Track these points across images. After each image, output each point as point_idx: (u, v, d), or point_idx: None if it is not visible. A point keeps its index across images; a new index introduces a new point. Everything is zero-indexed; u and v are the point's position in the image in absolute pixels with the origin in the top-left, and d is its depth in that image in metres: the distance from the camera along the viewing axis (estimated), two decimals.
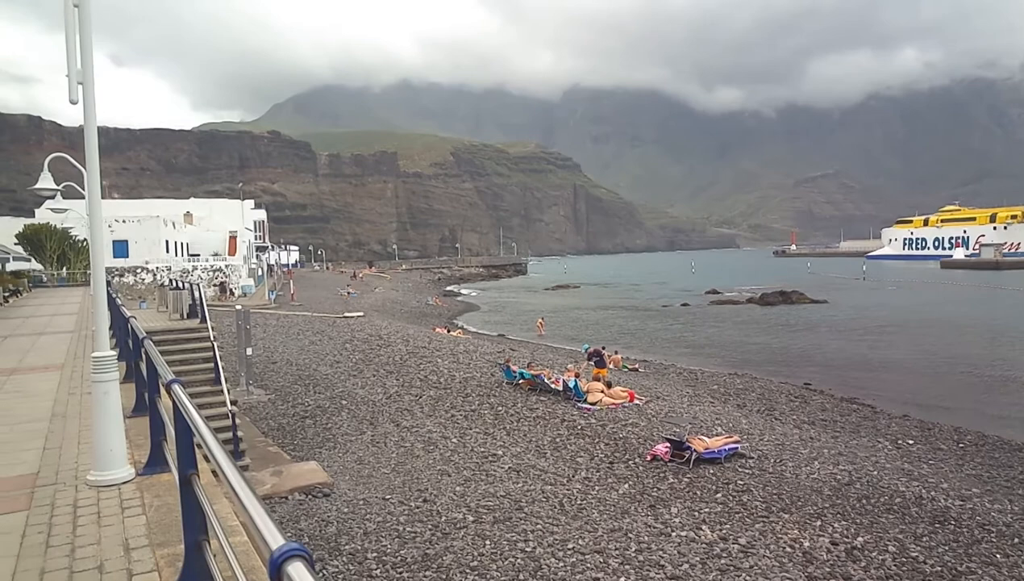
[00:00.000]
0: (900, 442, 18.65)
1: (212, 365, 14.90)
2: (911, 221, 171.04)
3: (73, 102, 5.30)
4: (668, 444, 15.06)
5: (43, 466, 5.74)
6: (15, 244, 44.50)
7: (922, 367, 32.27)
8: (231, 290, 55.95)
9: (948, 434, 19.87)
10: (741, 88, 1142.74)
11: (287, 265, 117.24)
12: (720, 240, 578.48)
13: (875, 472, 14.53)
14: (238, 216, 74.22)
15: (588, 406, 19.13)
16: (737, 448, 15.28)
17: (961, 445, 18.63)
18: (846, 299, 67.20)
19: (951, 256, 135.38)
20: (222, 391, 14.05)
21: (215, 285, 51.79)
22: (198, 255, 60.54)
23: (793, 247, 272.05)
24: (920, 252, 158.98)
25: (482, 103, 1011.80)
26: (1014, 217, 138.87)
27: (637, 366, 30.13)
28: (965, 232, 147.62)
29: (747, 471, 14.20)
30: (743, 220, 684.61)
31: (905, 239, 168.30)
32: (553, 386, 20.61)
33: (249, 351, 20.81)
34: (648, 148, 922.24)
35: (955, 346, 37.56)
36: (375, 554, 9.85)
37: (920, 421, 21.64)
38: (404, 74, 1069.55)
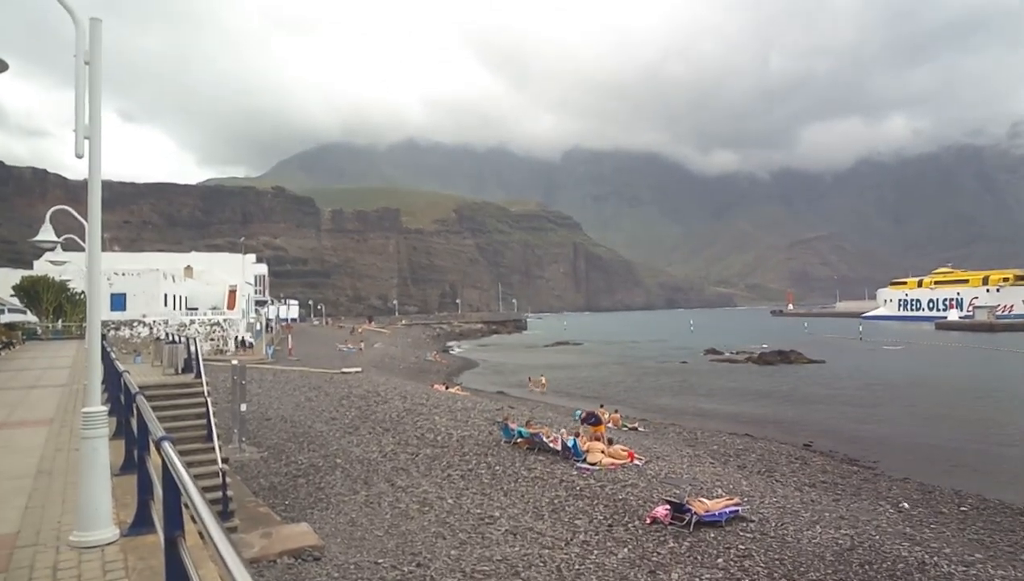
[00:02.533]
0: (901, 505, 18.34)
1: (205, 422, 14.68)
2: (906, 282, 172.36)
3: (79, 156, 5.38)
4: (668, 506, 14.75)
5: (24, 525, 5.58)
6: (11, 295, 44.51)
7: (921, 428, 31.99)
8: (250, 344, 56.16)
9: (949, 497, 19.58)
10: (736, 152, 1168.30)
11: (286, 319, 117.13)
12: (718, 299, 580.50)
13: (877, 536, 14.24)
14: (239, 270, 74.43)
15: (587, 466, 18.81)
16: (738, 511, 14.98)
17: (962, 509, 18.34)
18: (844, 359, 67.09)
19: (946, 317, 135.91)
20: (214, 449, 13.81)
21: (235, 340, 52.02)
22: (197, 309, 60.50)
23: (790, 307, 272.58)
24: (915, 313, 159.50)
25: (484, 162, 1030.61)
26: (1006, 280, 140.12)
27: (637, 425, 29.80)
28: (959, 294, 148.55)
29: (748, 535, 13.89)
30: (740, 280, 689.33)
31: (900, 300, 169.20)
32: (552, 445, 20.29)
33: (243, 407, 20.56)
34: (647, 208, 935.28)
35: (954, 407, 37.32)
36: None
37: (920, 484, 21.37)
38: (410, 133, 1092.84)
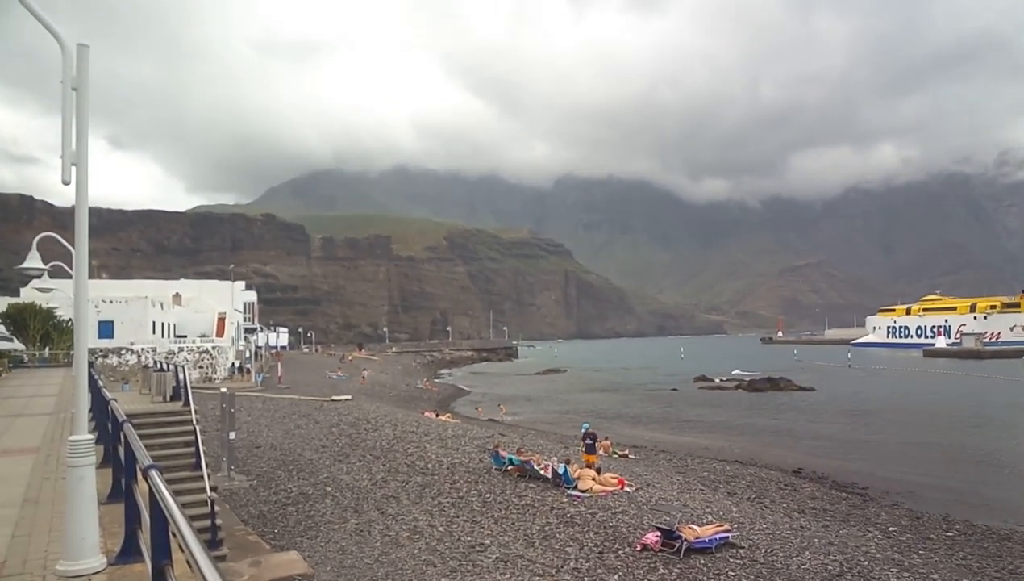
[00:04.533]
0: (890, 530, 18.37)
1: (193, 450, 14.59)
2: (894, 310, 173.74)
3: (66, 183, 5.37)
4: (658, 533, 14.72)
5: (11, 554, 5.56)
6: None
7: (910, 455, 32.18)
8: (247, 369, 56.04)
9: (937, 523, 19.65)
10: (727, 179, 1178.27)
11: (275, 347, 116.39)
12: (708, 326, 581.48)
13: (866, 562, 14.27)
14: (228, 297, 74.12)
15: (578, 493, 18.76)
16: (728, 537, 14.97)
17: (950, 534, 18.41)
18: (833, 386, 67.36)
19: (933, 345, 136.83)
20: (202, 477, 13.71)
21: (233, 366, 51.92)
22: (185, 336, 60.12)
23: (780, 334, 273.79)
24: (903, 340, 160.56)
25: (476, 190, 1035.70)
26: (993, 307, 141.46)
27: (627, 452, 29.74)
28: (947, 321, 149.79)
29: (738, 561, 13.87)
30: (731, 307, 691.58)
31: (888, 327, 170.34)
32: (542, 473, 20.23)
33: (232, 435, 20.41)
34: (638, 236, 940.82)
35: (942, 434, 37.56)
36: None
37: (909, 509, 21.47)
38: (401, 160, 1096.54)
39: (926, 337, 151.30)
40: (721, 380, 74.72)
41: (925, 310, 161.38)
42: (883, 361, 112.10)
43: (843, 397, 57.56)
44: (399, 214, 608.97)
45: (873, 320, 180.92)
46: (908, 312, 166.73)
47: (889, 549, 16.11)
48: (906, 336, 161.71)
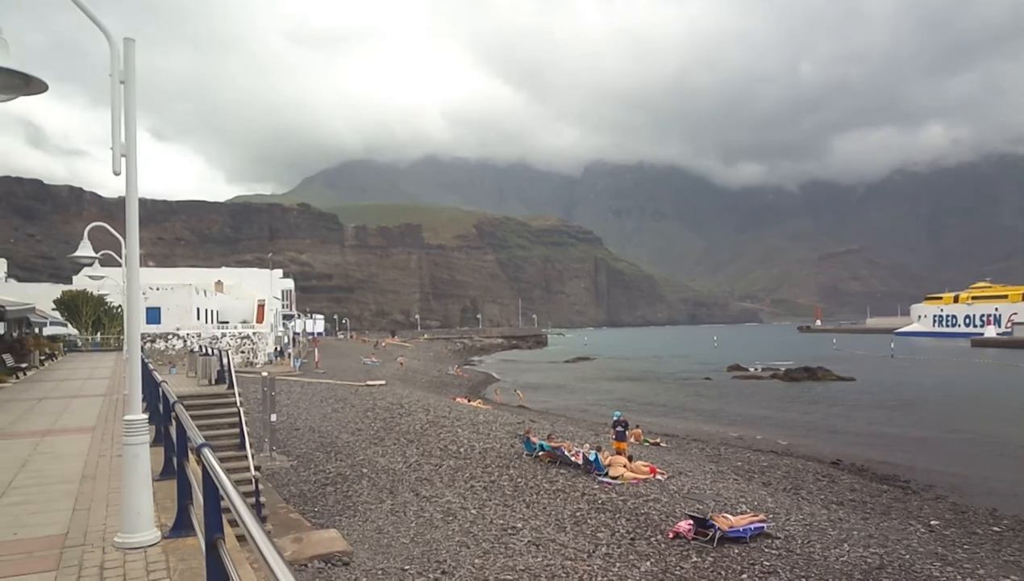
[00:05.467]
0: (932, 524, 18.01)
1: (238, 430, 15.04)
2: (941, 298, 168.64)
3: (116, 174, 5.48)
4: (691, 521, 14.72)
5: (72, 527, 5.82)
6: (52, 309, 45.62)
7: (955, 447, 31.30)
8: (289, 353, 57.24)
9: (983, 517, 19.16)
10: (763, 163, 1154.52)
11: (312, 333, 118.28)
12: (743, 314, 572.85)
13: (907, 556, 14.04)
14: (267, 285, 75.50)
15: (609, 480, 18.83)
16: (763, 528, 14.89)
17: (997, 529, 17.94)
18: (874, 376, 65.79)
19: (982, 334, 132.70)
20: (246, 456, 14.14)
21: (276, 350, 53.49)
22: (227, 322, 61.49)
23: (818, 323, 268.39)
24: (950, 329, 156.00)
25: (505, 177, 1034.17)
26: None
27: (659, 440, 29.66)
28: (997, 310, 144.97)
29: (773, 552, 13.81)
30: (766, 295, 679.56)
31: (935, 316, 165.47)
32: (573, 459, 20.35)
33: (274, 417, 20.95)
34: (669, 222, 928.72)
35: (989, 427, 36.43)
36: None
37: (953, 504, 20.90)
38: (431, 149, 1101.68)
39: (974, 326, 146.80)
40: (756, 369, 73.64)
41: (974, 298, 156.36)
42: (928, 351, 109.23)
43: (885, 387, 56.19)
44: (430, 203, 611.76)
45: (918, 308, 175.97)
46: (956, 300, 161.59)
47: (932, 543, 15.81)
48: (953, 325, 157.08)
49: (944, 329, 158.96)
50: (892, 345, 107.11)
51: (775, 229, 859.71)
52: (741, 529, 14.40)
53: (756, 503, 17.86)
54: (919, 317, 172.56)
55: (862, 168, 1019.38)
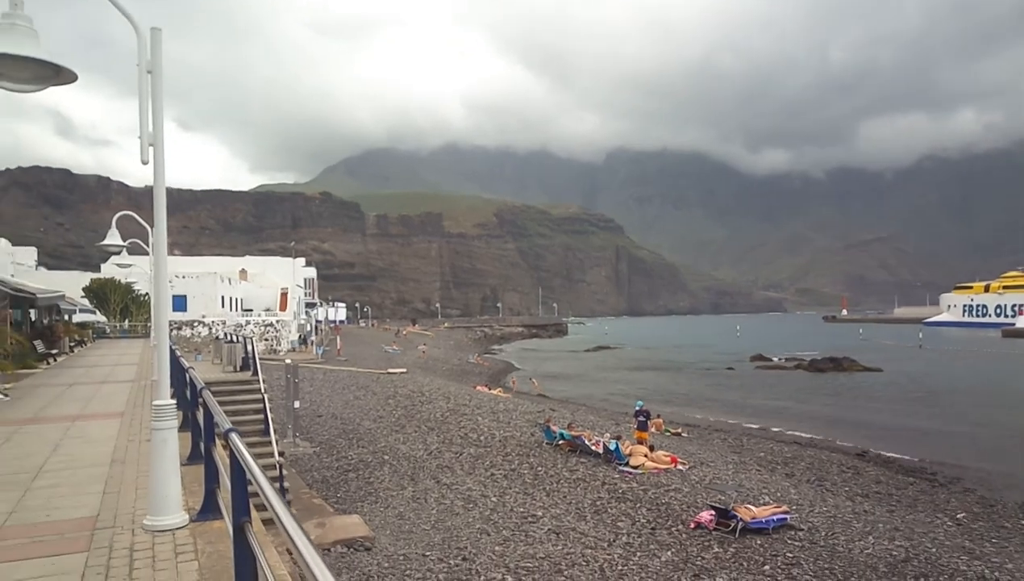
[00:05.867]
0: (960, 517, 17.74)
1: (262, 416, 15.24)
2: (971, 287, 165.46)
3: (144, 163, 5.52)
4: (713, 512, 14.66)
5: (102, 509, 5.95)
6: (81, 297, 46.49)
7: (984, 440, 30.74)
8: (312, 341, 57.99)
9: (1012, 511, 18.84)
10: (789, 149, 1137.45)
11: (334, 321, 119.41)
12: (767, 304, 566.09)
13: (934, 549, 13.87)
14: (289, 273, 76.27)
15: (630, 470, 18.80)
16: (786, 519, 14.78)
17: None
18: (902, 367, 64.75)
19: (1014, 324, 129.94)
20: (271, 442, 14.34)
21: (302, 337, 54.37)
22: (251, 310, 62.26)
23: (844, 312, 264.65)
24: (980, 319, 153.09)
25: (526, 165, 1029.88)
26: None
27: (680, 430, 29.52)
28: None
29: (797, 543, 13.71)
30: (791, 284, 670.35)
31: (965, 306, 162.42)
32: (594, 448, 20.34)
33: (297, 404, 21.20)
34: (692, 210, 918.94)
35: (1019, 418, 35.73)
36: None
37: (982, 497, 20.57)
38: (452, 137, 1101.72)
39: (1006, 316, 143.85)
40: (780, 359, 72.84)
41: (1005, 287, 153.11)
42: (958, 341, 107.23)
43: (912, 379, 55.30)
44: (450, 191, 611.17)
45: (948, 298, 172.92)
46: (987, 289, 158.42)
47: (959, 536, 15.59)
48: (984, 315, 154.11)
49: (974, 319, 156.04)
50: (921, 335, 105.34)
51: (801, 216, 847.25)
52: (764, 520, 14.31)
53: (779, 494, 17.74)
54: (948, 307, 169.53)
55: (891, 154, 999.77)
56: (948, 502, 19.67)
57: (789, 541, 13.82)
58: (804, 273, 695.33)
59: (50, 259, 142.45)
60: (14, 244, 70.64)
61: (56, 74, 4.99)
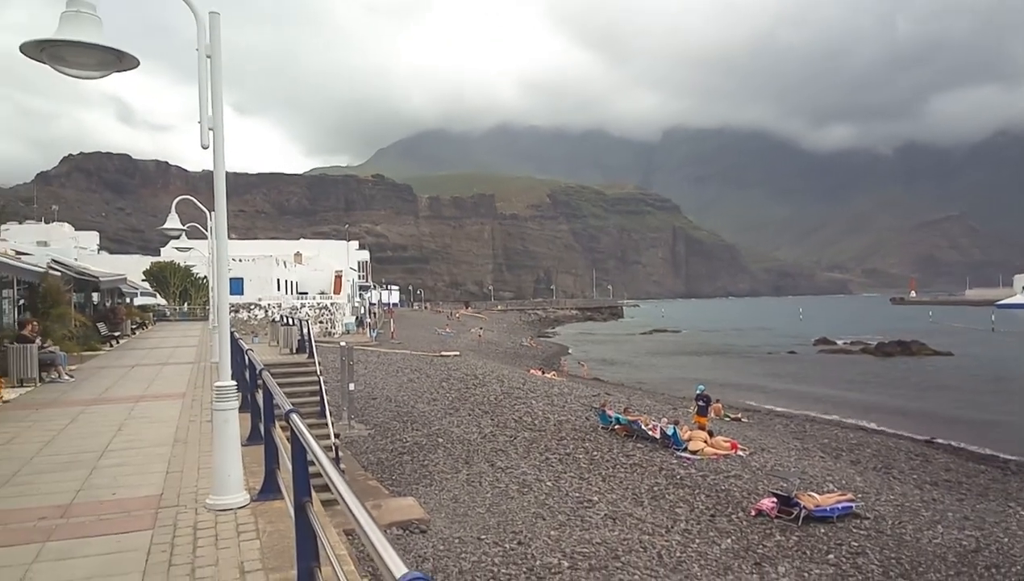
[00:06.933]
0: None
1: (318, 398, 15.50)
2: None
3: (204, 147, 5.55)
4: (775, 499, 14.28)
5: (166, 488, 6.08)
6: (142, 280, 47.98)
7: None
8: (370, 324, 59.28)
9: None
10: (855, 125, 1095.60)
11: (388, 304, 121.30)
12: (830, 285, 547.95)
13: (1006, 539, 13.26)
14: (343, 256, 77.46)
15: (688, 455, 18.48)
16: (852, 507, 14.31)
17: None
18: (973, 351, 62.01)
19: None
20: (327, 424, 14.58)
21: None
22: (306, 293, 63.51)
23: (912, 294, 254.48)
24: None
25: (580, 145, 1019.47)
26: None
27: (740, 415, 28.93)
28: None
29: (862, 532, 13.27)
30: (856, 265, 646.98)
31: None
32: (650, 433, 20.06)
33: (352, 387, 21.51)
34: (753, 189, 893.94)
35: None
36: None
37: None
38: (504, 117, 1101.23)
39: None
40: (845, 343, 70.49)
41: None
42: None
43: (984, 363, 52.85)
44: (503, 172, 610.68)
45: (1021, 279, 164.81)
46: None
47: None
48: None
49: None
50: (993, 318, 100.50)
51: (866, 195, 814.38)
52: (828, 508, 13.89)
53: (844, 482, 17.17)
54: (1023, 288, 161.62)
55: (962, 129, 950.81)
56: (1021, 491, 18.88)
57: (854, 530, 13.42)
58: (870, 253, 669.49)
59: (111, 243, 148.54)
60: (77, 229, 73.79)
61: (119, 60, 5.02)
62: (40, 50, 4.78)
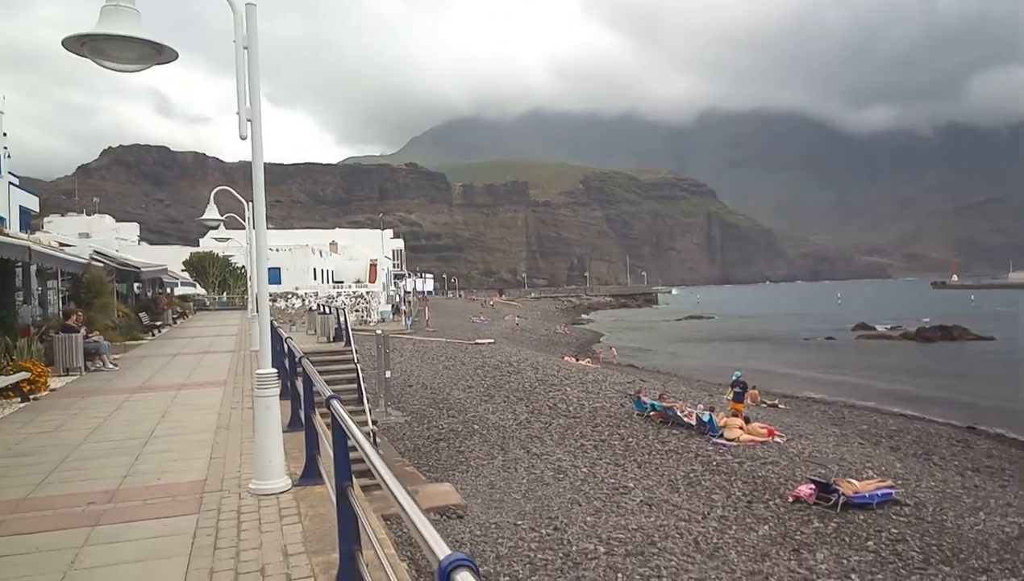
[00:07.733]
0: None
1: (355, 386, 15.72)
2: None
3: (243, 138, 5.62)
4: (813, 486, 14.11)
5: (210, 474, 6.23)
6: (182, 270, 48.91)
7: None
8: (405, 311, 59.80)
9: None
10: (895, 106, 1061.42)
11: (423, 292, 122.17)
12: (870, 270, 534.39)
13: None
14: (378, 245, 78.00)
15: (724, 442, 18.33)
16: (891, 494, 14.06)
17: None
18: (1017, 335, 59.97)
19: None
20: (364, 411, 14.79)
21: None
22: (342, 282, 64.17)
23: (954, 278, 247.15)
24: None
25: (613, 130, 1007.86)
26: None
27: (777, 402, 28.55)
28: None
29: (902, 519, 13.05)
30: (896, 249, 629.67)
31: None
32: (686, 420, 19.93)
33: (388, 374, 21.77)
34: (789, 173, 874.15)
35: None
36: (507, 579, 9.91)
37: None
38: (536, 103, 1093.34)
39: None
40: (884, 328, 68.88)
41: None
42: None
43: None
44: (535, 159, 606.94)
45: None
46: None
47: None
48: None
49: None
50: None
51: (907, 177, 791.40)
52: (867, 495, 13.67)
53: (883, 468, 16.86)
54: None
55: (1006, 109, 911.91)
56: None
57: (894, 517, 13.20)
58: (911, 237, 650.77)
59: (151, 234, 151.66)
60: (117, 220, 75.42)
61: (158, 53, 5.10)
62: (81, 45, 4.88)
